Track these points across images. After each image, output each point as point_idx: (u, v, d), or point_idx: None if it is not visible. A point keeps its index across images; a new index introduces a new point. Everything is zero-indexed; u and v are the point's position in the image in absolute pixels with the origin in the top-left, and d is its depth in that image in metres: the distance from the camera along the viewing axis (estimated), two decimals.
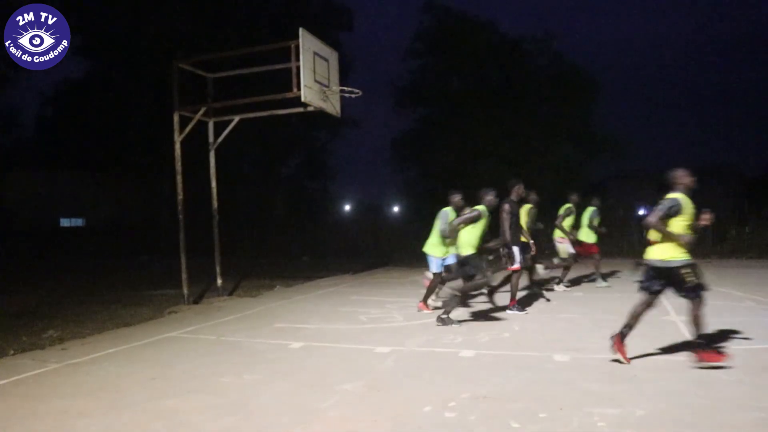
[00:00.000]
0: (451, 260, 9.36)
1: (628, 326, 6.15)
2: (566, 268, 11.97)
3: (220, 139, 11.80)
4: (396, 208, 48.73)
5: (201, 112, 11.21)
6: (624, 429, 4.35)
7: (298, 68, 10.09)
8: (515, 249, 9.27)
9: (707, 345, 5.93)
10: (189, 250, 11.19)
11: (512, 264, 9.27)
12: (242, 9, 31.31)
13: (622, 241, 20.70)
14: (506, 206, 9.10)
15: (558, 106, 28.14)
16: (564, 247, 11.77)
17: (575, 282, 12.80)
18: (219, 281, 11.92)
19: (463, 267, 8.32)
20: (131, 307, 10.41)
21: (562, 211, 11.66)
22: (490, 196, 8.35)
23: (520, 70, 29.09)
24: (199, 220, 12.84)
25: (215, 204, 11.95)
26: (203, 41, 26.88)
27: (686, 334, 7.45)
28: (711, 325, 7.84)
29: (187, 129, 11.08)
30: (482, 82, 29.36)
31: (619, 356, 6.09)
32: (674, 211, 5.81)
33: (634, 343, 7.05)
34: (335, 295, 12.18)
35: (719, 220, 18.73)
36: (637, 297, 6.17)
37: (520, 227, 9.71)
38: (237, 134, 12.34)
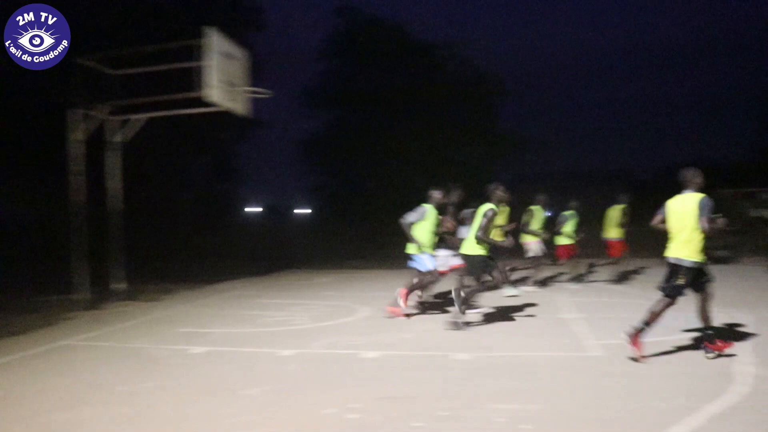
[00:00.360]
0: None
1: (647, 324, 6.17)
2: (535, 270, 12.28)
3: (122, 139, 11.37)
4: (304, 210, 48.41)
5: (102, 109, 10.78)
6: (521, 424, 4.49)
7: (204, 67, 9.87)
8: (444, 252, 9.44)
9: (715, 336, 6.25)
10: (92, 253, 10.71)
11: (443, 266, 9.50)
12: (147, 3, 30.23)
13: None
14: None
15: (467, 109, 28.76)
16: (534, 248, 12.00)
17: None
18: (119, 285, 11.48)
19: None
20: (20, 315, 9.80)
21: (525, 215, 11.93)
22: (500, 192, 8.33)
23: (431, 74, 29.55)
24: (104, 222, 12.33)
25: (116, 205, 11.51)
26: (105, 38, 25.78)
27: (580, 332, 7.81)
28: (614, 321, 8.26)
29: (79, 127, 10.62)
30: (392, 85, 29.62)
31: (635, 354, 6.14)
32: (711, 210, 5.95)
33: (530, 341, 7.33)
34: (240, 298, 11.97)
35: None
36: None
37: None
38: (144, 133, 11.94)
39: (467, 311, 8.26)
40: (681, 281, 6.09)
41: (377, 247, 21.51)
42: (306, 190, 38.82)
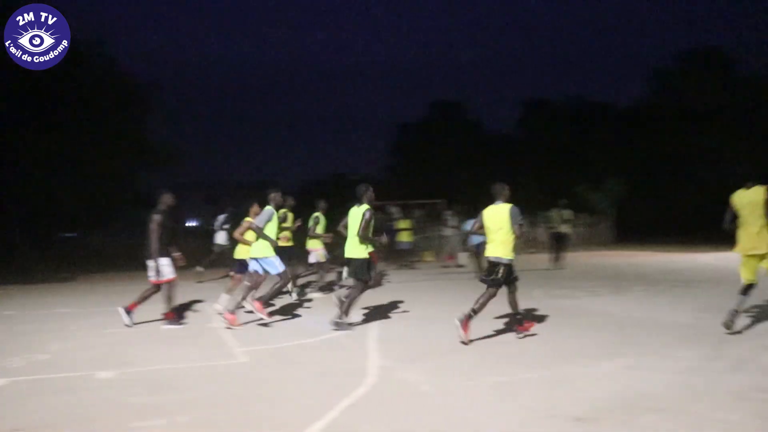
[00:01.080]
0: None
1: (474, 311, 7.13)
2: (321, 275, 12.33)
3: None
4: None
5: None
6: None
7: None
8: (162, 261, 8.61)
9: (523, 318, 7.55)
10: None
11: (161, 277, 8.68)
12: None
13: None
14: (156, 217, 8.56)
15: (111, 114, 26.99)
16: (318, 254, 11.84)
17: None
18: None
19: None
20: None
21: (311, 221, 11.76)
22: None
23: (73, 75, 27.04)
24: None
25: None
26: None
27: (229, 339, 7.86)
28: (263, 327, 8.41)
29: None
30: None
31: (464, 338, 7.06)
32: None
33: (178, 351, 7.14)
34: None
35: None
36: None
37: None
38: None
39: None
40: (499, 275, 7.18)
41: None
42: None
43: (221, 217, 15.44)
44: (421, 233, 24.50)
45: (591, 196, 28.66)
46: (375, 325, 8.52)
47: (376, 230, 8.51)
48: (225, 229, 15.11)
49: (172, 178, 36.34)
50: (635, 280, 13.59)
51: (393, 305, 10.55)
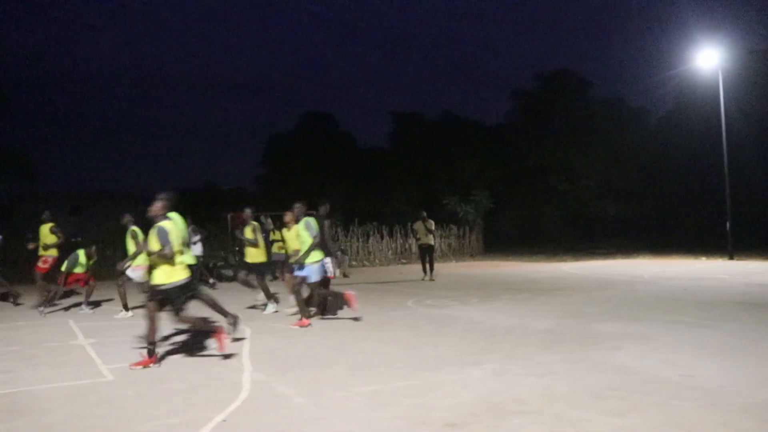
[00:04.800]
0: None
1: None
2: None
3: None
4: None
5: None
6: None
7: None
8: None
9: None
10: None
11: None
12: None
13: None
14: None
15: None
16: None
17: None
18: None
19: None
20: None
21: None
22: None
23: None
24: None
25: None
26: None
27: (92, 357, 7.43)
28: (121, 341, 8.02)
29: None
30: None
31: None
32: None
33: (42, 372, 6.66)
34: None
35: None
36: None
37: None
38: None
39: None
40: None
41: None
42: None
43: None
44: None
45: (459, 208, 29.66)
46: (246, 339, 8.34)
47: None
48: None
49: (28, 187, 34.02)
50: (502, 289, 14.17)
51: (266, 317, 10.39)
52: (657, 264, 20.58)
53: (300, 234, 9.40)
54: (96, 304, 12.46)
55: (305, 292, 9.70)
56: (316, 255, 9.41)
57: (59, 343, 8.50)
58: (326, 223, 10.35)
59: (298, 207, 9.74)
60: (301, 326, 9.17)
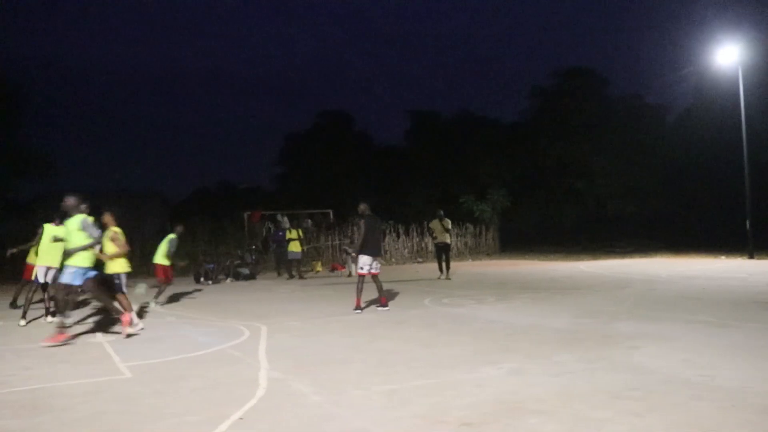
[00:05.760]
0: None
1: None
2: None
3: None
4: None
5: None
6: None
7: None
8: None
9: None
10: None
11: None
12: None
13: None
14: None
15: None
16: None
17: None
18: None
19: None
20: None
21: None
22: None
23: None
24: None
25: None
26: None
27: (111, 354, 7.50)
28: (145, 341, 8.10)
29: None
30: None
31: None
32: None
33: (61, 368, 6.73)
34: None
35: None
36: None
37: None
38: None
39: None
40: None
41: None
42: None
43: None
44: (312, 243, 24.47)
45: (476, 207, 29.59)
46: (264, 337, 8.37)
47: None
48: None
49: (50, 186, 34.31)
50: (519, 288, 14.11)
51: (282, 316, 10.42)
52: (675, 263, 20.39)
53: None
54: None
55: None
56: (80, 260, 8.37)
57: (78, 340, 8.58)
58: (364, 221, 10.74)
59: None
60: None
